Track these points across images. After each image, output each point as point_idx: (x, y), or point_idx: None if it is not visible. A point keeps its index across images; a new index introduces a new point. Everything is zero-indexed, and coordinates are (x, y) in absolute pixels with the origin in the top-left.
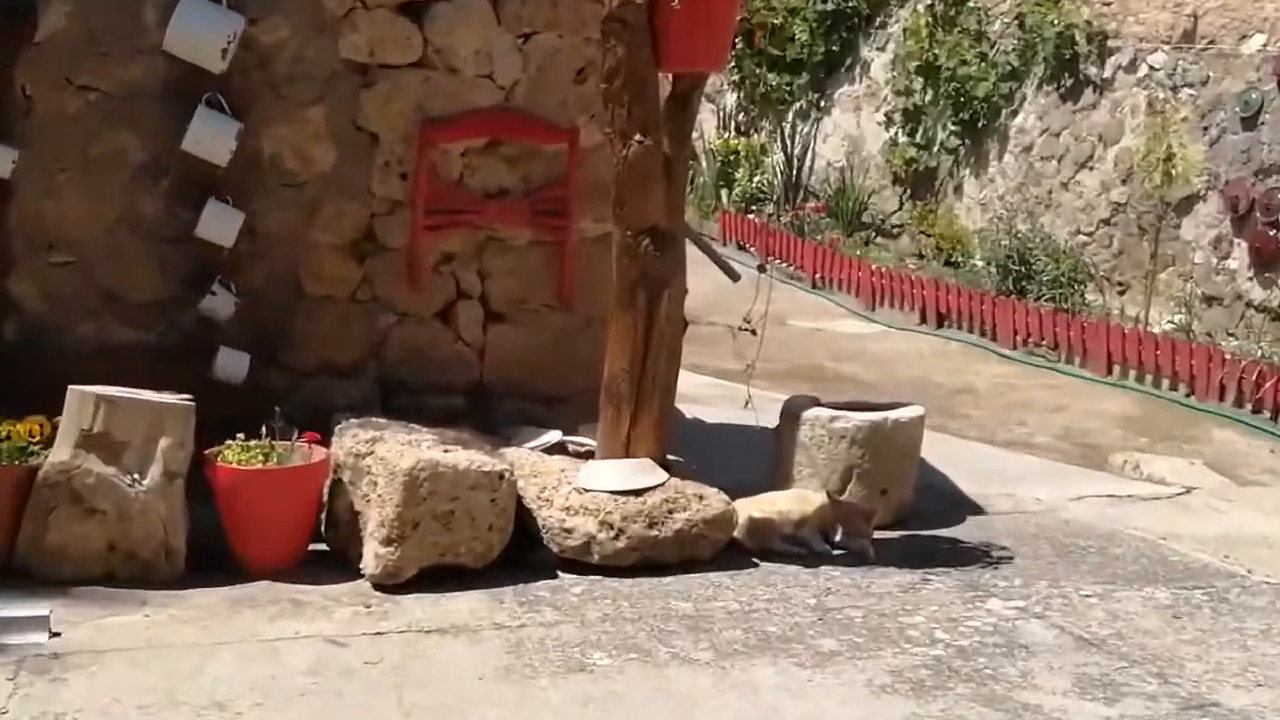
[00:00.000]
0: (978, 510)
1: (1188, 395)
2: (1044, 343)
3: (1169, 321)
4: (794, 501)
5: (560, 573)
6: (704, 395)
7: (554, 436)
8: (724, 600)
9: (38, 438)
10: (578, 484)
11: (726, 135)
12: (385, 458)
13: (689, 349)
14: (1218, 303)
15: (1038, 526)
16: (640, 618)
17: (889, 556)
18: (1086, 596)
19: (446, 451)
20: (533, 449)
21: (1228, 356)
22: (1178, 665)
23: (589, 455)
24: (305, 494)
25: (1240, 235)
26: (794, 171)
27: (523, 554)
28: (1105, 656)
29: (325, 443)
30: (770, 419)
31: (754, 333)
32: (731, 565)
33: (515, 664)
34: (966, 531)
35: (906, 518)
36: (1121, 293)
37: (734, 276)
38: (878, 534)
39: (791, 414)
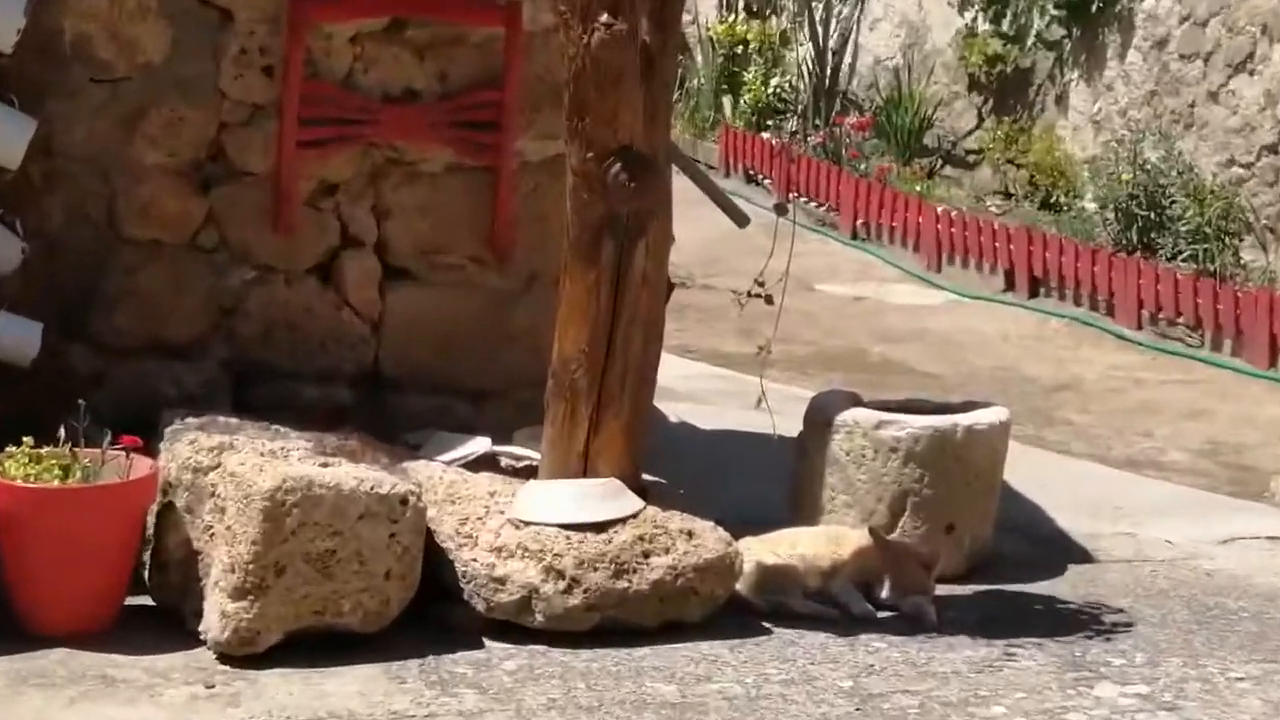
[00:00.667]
0: (1085, 557)
1: None
2: (1181, 320)
3: None
4: (823, 543)
5: (488, 640)
6: (697, 390)
7: (481, 446)
8: (722, 681)
9: None
10: (514, 514)
11: (732, 18)
12: (237, 474)
13: (677, 324)
14: None
15: (1169, 580)
16: (601, 705)
17: (958, 621)
18: (1237, 680)
19: (325, 466)
20: (451, 463)
21: None
22: None
23: (530, 473)
24: (121, 524)
25: None
26: (827, 72)
27: (434, 614)
28: None
29: (152, 452)
30: (791, 424)
31: (769, 300)
32: (733, 632)
33: None
34: (1068, 586)
35: (983, 566)
36: None
37: (741, 220)
38: (941, 589)
39: (821, 417)
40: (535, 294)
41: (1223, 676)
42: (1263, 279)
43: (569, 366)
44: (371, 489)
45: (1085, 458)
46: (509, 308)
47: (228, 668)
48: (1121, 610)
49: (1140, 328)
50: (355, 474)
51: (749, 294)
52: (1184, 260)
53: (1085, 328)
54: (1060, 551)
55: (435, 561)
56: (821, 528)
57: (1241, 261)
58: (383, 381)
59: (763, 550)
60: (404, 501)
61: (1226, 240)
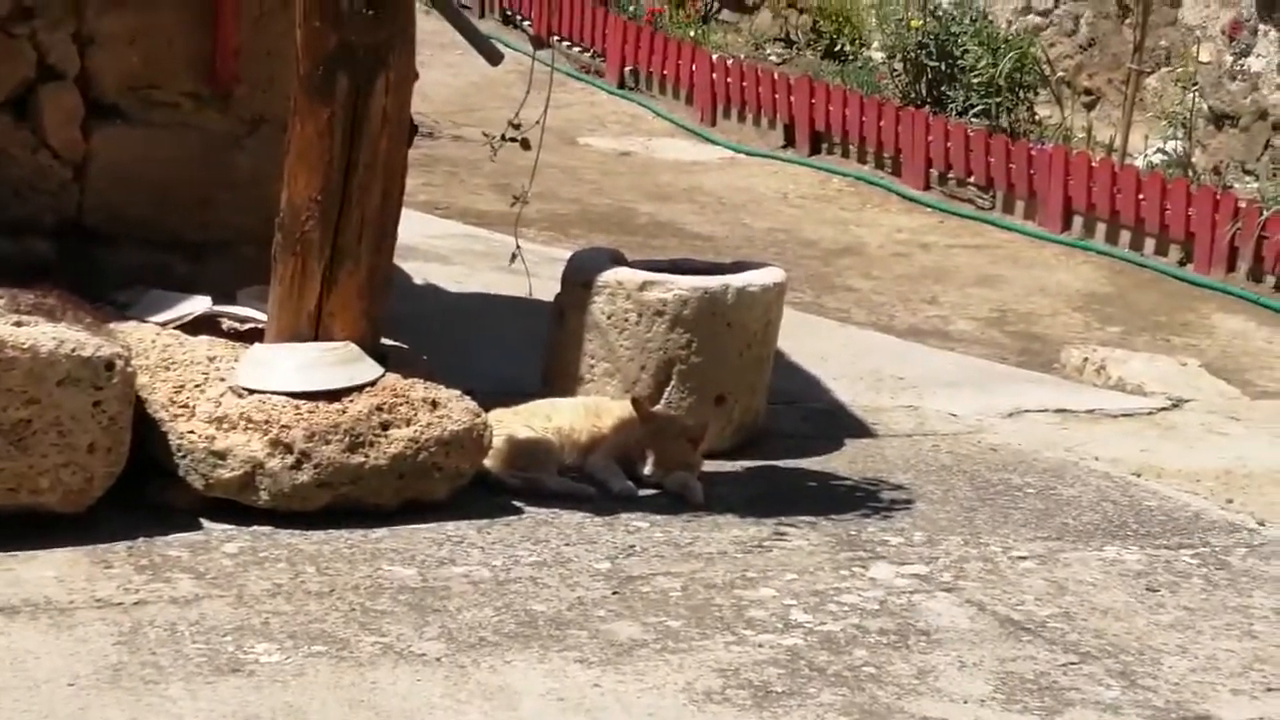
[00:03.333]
0: (863, 431)
1: (1182, 264)
2: (971, 180)
3: (1158, 151)
4: (581, 415)
5: (206, 521)
6: (446, 250)
7: (199, 306)
8: (467, 564)
9: None
10: (236, 381)
11: None
12: None
13: (424, 179)
14: (1231, 123)
15: (952, 455)
16: (333, 591)
17: (726, 499)
18: (1020, 559)
19: (19, 325)
20: (165, 325)
21: (1242, 205)
22: (1152, 660)
23: (256, 336)
24: None
25: (1270, 19)
26: None
27: (145, 492)
28: (1045, 647)
29: None
30: (550, 288)
31: (525, 145)
32: (480, 511)
33: (129, 662)
34: (845, 462)
35: (754, 440)
36: (1089, 105)
37: (494, 57)
38: (709, 464)
39: (580, 278)
40: (262, 136)
41: (1005, 556)
42: (1057, 136)
43: (299, 217)
44: (73, 351)
45: (867, 326)
46: (232, 151)
47: None
48: (901, 487)
49: (928, 188)
50: (54, 334)
51: (503, 137)
52: (975, 115)
53: (870, 187)
54: (838, 425)
55: (146, 434)
56: (580, 399)
57: (1036, 117)
58: (88, 234)
59: (515, 423)
60: (110, 366)
61: (1021, 94)
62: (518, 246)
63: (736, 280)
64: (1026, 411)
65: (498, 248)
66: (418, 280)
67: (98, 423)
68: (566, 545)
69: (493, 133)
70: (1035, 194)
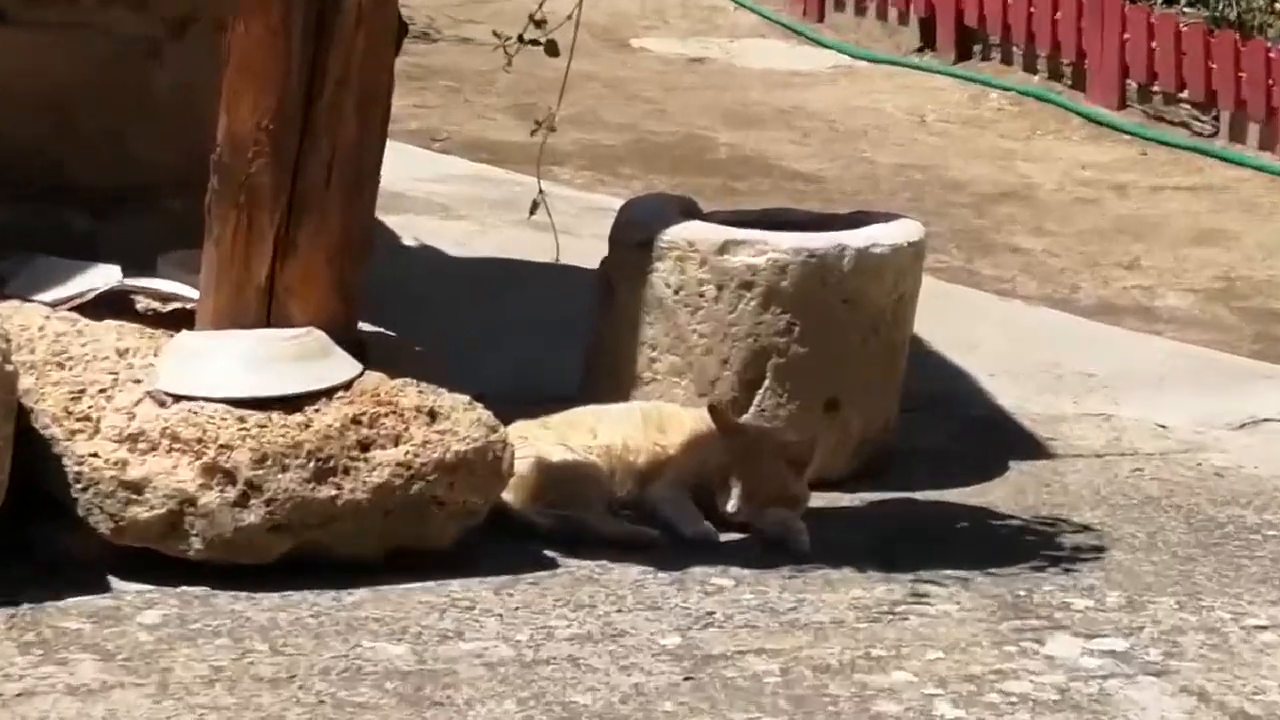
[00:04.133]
0: (1035, 449)
1: None
2: (1185, 95)
3: None
4: (639, 428)
5: (116, 580)
6: (445, 197)
7: (106, 279)
8: (481, 639)
9: None
10: (158, 385)
11: None
12: None
13: (417, 98)
14: None
15: (1160, 483)
16: (293, 677)
17: (844, 546)
18: (1259, 629)
19: None
20: (58, 305)
21: None
22: None
23: (184, 319)
24: None
25: None
26: None
27: (32, 538)
28: None
29: None
30: (592, 248)
31: (552, 49)
32: (500, 564)
33: None
34: (1010, 493)
35: (884, 462)
36: None
37: None
38: (819, 497)
39: (635, 236)
40: (190, 44)
41: (1237, 625)
42: None
43: (243, 154)
44: None
45: (1040, 302)
46: (149, 64)
47: None
48: (1088, 528)
49: (1124, 106)
50: None
51: (521, 38)
52: (1190, 3)
53: (1042, 106)
54: (999, 441)
55: (33, 458)
56: (637, 405)
57: (1278, 5)
58: None
59: (546, 440)
60: None
61: None
62: (540, 192)
63: (855, 239)
64: (1266, 421)
65: (519, 194)
66: (408, 240)
67: None
68: (619, 612)
69: (507, 32)
70: (1276, 113)
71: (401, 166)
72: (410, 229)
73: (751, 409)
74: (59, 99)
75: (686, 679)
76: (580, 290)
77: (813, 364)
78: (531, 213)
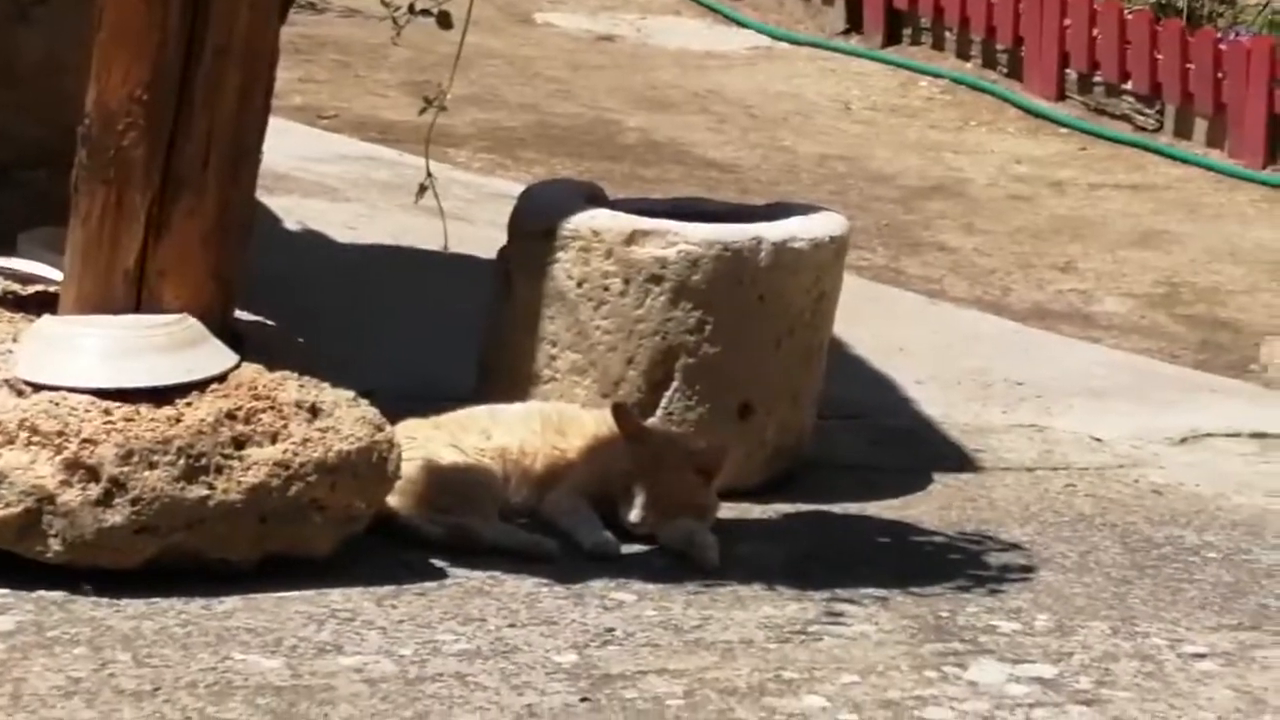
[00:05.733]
0: (961, 461)
1: None
2: (1127, 87)
3: None
4: (536, 429)
5: None
6: (332, 178)
7: None
8: (361, 653)
9: None
10: (15, 372)
11: None
12: None
13: (300, 69)
14: None
15: (1094, 500)
16: (158, 690)
17: (755, 560)
18: (1197, 658)
19: None
20: None
21: None
22: None
23: (45, 303)
24: None
25: None
26: None
27: None
28: None
29: None
30: (490, 236)
31: (444, 20)
32: (383, 574)
33: None
34: (934, 508)
35: (799, 472)
36: None
37: None
38: (729, 508)
39: (537, 223)
40: (60, 5)
41: (1173, 652)
42: (1260, 21)
43: (114, 126)
44: None
45: (969, 304)
46: (12, 26)
47: None
48: (1017, 547)
49: (1063, 97)
50: None
51: (411, 8)
52: None
53: (975, 95)
54: (923, 453)
55: None
56: (535, 405)
57: None
58: None
59: (436, 441)
60: None
61: None
62: (429, 175)
63: (773, 232)
64: (1208, 436)
65: (411, 176)
66: (291, 224)
67: None
68: (512, 627)
69: (397, 1)
70: (1225, 109)
71: (285, 145)
72: (294, 212)
73: (658, 412)
74: None
75: (583, 700)
76: (476, 281)
77: (725, 365)
78: (419, 197)
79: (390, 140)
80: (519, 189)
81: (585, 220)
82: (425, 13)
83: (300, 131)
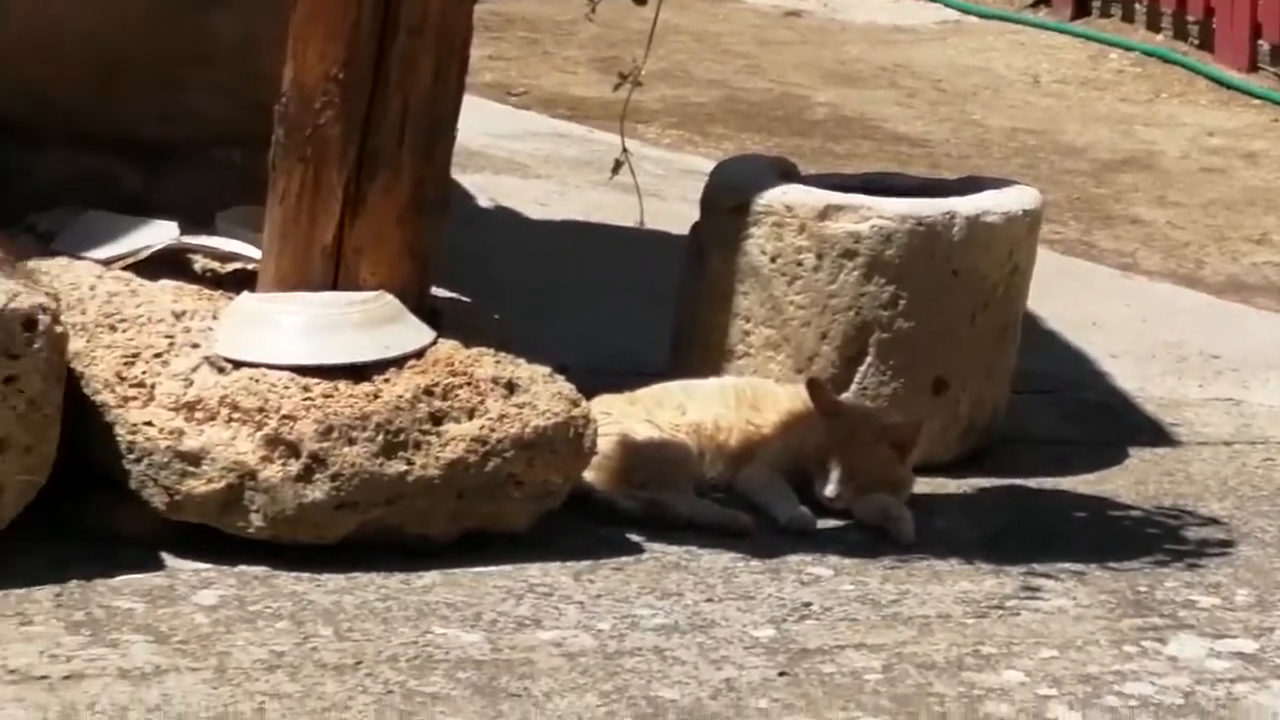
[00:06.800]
0: (1157, 435)
1: None
2: None
3: None
4: (731, 405)
5: (171, 558)
6: (524, 155)
7: (160, 237)
8: (560, 627)
9: None
10: (216, 350)
11: None
12: None
13: (490, 47)
14: None
15: None
16: (359, 664)
17: (951, 535)
18: None
19: None
20: (110, 264)
21: None
22: None
23: (244, 281)
24: None
25: None
26: None
27: (82, 512)
28: None
29: None
30: (682, 212)
31: None
32: (580, 548)
33: None
34: (1130, 482)
35: (993, 447)
36: None
37: None
38: (924, 483)
39: (729, 199)
40: None
41: None
42: None
43: (310, 105)
44: None
45: (1162, 277)
46: (209, 6)
47: None
48: (1215, 521)
49: (1254, 69)
50: None
51: None
52: None
53: (1167, 67)
54: (1118, 427)
55: (83, 426)
56: (729, 381)
57: None
58: None
59: (632, 416)
60: (30, 324)
61: None
62: (625, 151)
63: (965, 206)
64: None
65: (601, 152)
66: (484, 201)
67: (11, 408)
68: (709, 602)
69: None
70: None
71: (476, 122)
72: (487, 188)
73: (852, 387)
74: (111, 45)
75: (781, 674)
76: (669, 257)
77: (919, 340)
78: (614, 173)
79: (579, 116)
80: (709, 165)
81: (778, 195)
82: None
83: (491, 108)
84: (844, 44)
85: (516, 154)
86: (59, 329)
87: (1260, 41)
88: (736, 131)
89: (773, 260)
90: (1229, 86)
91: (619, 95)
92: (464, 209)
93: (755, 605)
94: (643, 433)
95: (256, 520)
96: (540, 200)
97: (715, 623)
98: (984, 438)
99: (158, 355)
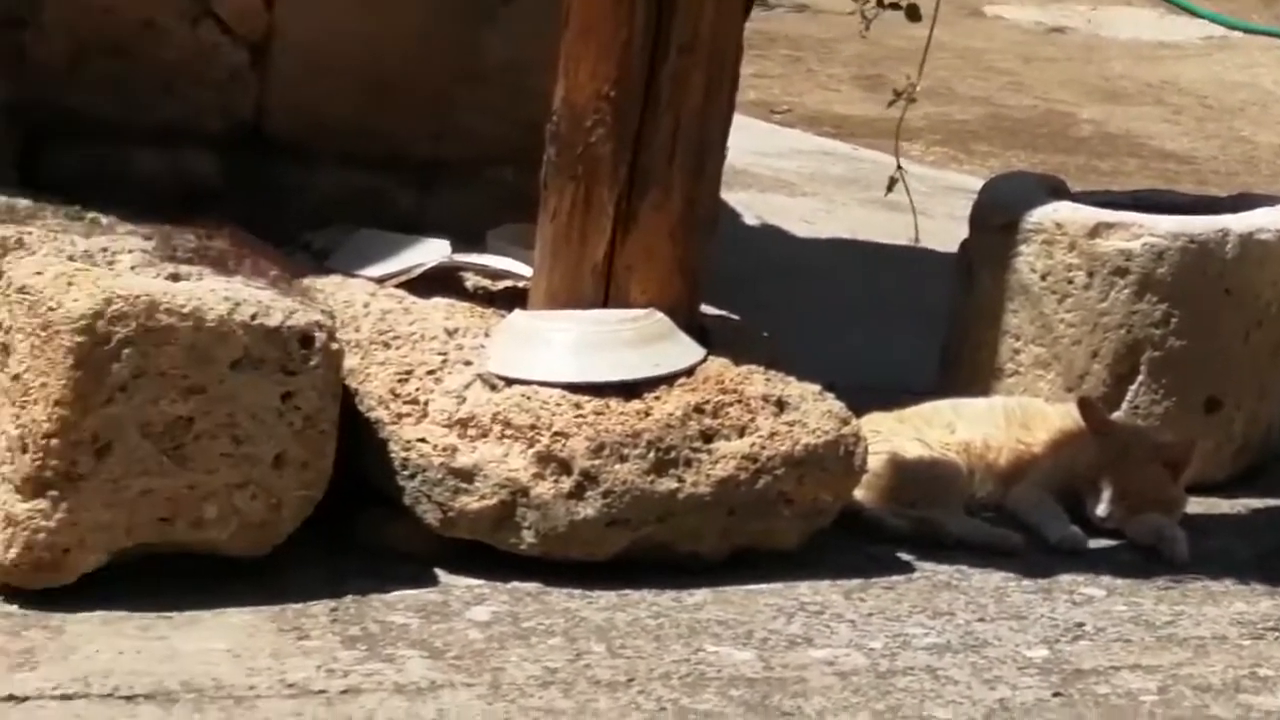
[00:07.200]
0: None
1: None
2: None
3: None
4: (1001, 424)
5: (444, 573)
6: (789, 172)
7: (432, 255)
8: (831, 645)
9: None
10: (488, 367)
11: None
12: (30, 290)
13: (753, 65)
14: None
15: None
16: (632, 681)
17: (1226, 555)
18: None
19: (175, 279)
20: (384, 281)
21: None
22: None
23: (515, 298)
24: None
25: None
26: None
27: (355, 528)
28: None
29: None
30: (946, 229)
31: (913, 13)
32: (850, 567)
33: None
34: None
35: (1268, 466)
36: None
37: None
38: (1197, 502)
39: (999, 217)
40: (525, 4)
41: None
42: None
43: (581, 123)
44: (254, 319)
45: None
46: (480, 25)
47: (15, 608)
48: None
49: None
50: (227, 293)
51: (880, 3)
52: None
53: None
54: None
55: (357, 443)
56: (998, 400)
57: None
58: (270, 146)
59: (901, 435)
60: (307, 341)
61: None
62: (899, 168)
63: (1238, 223)
64: None
65: (866, 170)
66: (749, 219)
67: (288, 424)
68: (981, 621)
69: None
70: None
71: (742, 139)
72: (753, 206)
73: (1123, 405)
74: (383, 64)
75: (1055, 695)
76: (934, 274)
77: (1191, 358)
78: (888, 190)
79: (844, 134)
80: (974, 182)
81: (1048, 213)
82: (894, 6)
83: (756, 126)
84: (1108, 60)
85: (782, 172)
86: (335, 346)
87: None
88: (1001, 149)
89: (1043, 278)
90: None
91: (883, 113)
92: (730, 227)
93: (1028, 625)
94: (912, 451)
95: (528, 537)
96: (806, 218)
97: (988, 642)
98: (1258, 456)
99: (431, 372)
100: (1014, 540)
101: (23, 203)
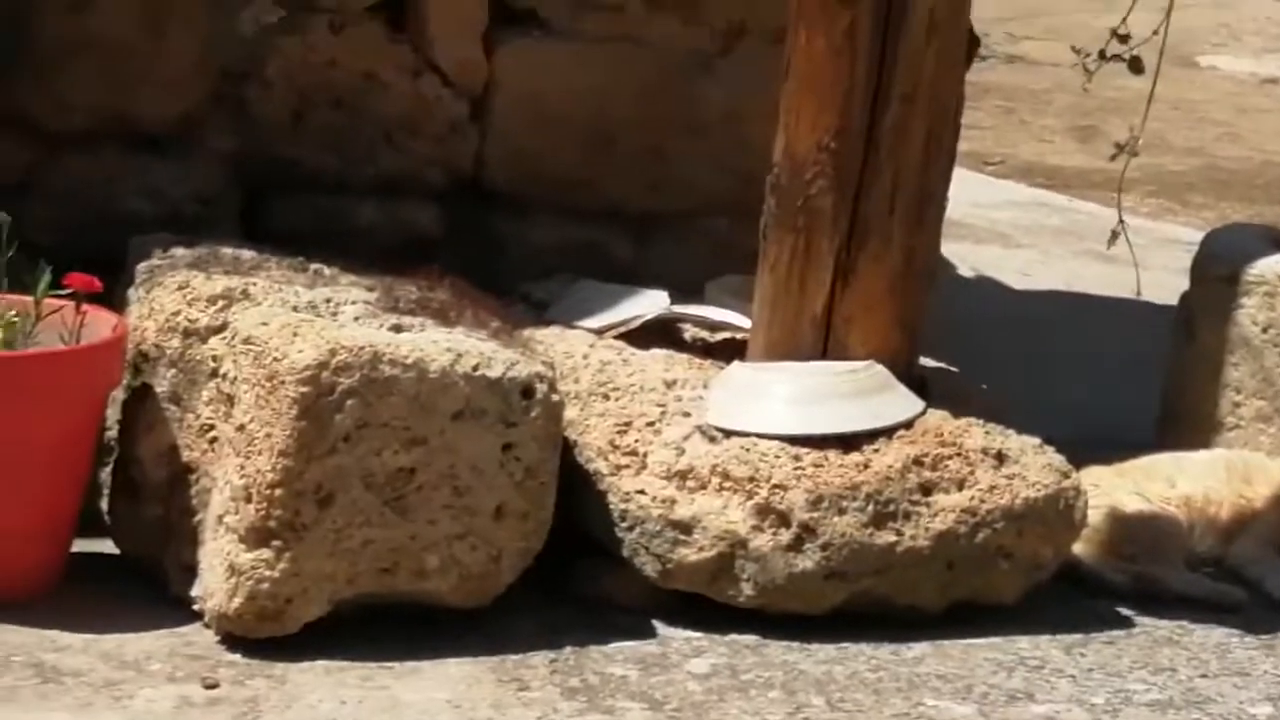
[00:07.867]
0: None
1: None
2: None
3: None
4: (1222, 478)
5: (662, 625)
6: (1004, 224)
7: (651, 306)
8: (1052, 700)
9: None
10: (707, 419)
11: None
12: (255, 341)
13: (969, 118)
14: None
15: None
16: None
17: None
18: None
19: (398, 330)
20: (603, 332)
21: None
22: None
23: (734, 350)
24: (66, 419)
25: None
26: None
27: (574, 579)
28: None
29: (116, 302)
30: (1164, 281)
31: (1136, 65)
32: (1069, 621)
33: None
34: None
35: None
36: None
37: None
38: None
39: (1220, 269)
40: (742, 55)
41: None
42: None
43: (801, 175)
44: (475, 369)
45: None
46: (698, 78)
47: (239, 656)
48: None
49: None
50: (448, 344)
51: (1103, 54)
52: None
53: None
54: None
55: (576, 494)
56: (1219, 454)
57: None
58: (489, 198)
59: (1120, 488)
60: (528, 393)
61: None
62: (1121, 221)
63: None
64: None
65: (1082, 222)
66: (964, 270)
67: (509, 475)
68: (1203, 677)
69: (1084, 47)
70: None
71: (956, 190)
72: (968, 258)
73: None
74: (603, 115)
75: None
76: (1151, 326)
77: None
78: (1110, 243)
79: (1058, 185)
80: (1189, 234)
81: (1271, 265)
82: (1117, 58)
83: (969, 177)
84: None
85: (997, 223)
86: (555, 397)
87: None
88: (1215, 200)
89: (1264, 330)
90: None
91: (1097, 164)
92: (947, 278)
93: (1251, 682)
94: (1132, 505)
95: (747, 589)
96: (1022, 270)
97: (1210, 699)
98: None
99: (650, 424)
100: (1236, 596)
101: (247, 254)
